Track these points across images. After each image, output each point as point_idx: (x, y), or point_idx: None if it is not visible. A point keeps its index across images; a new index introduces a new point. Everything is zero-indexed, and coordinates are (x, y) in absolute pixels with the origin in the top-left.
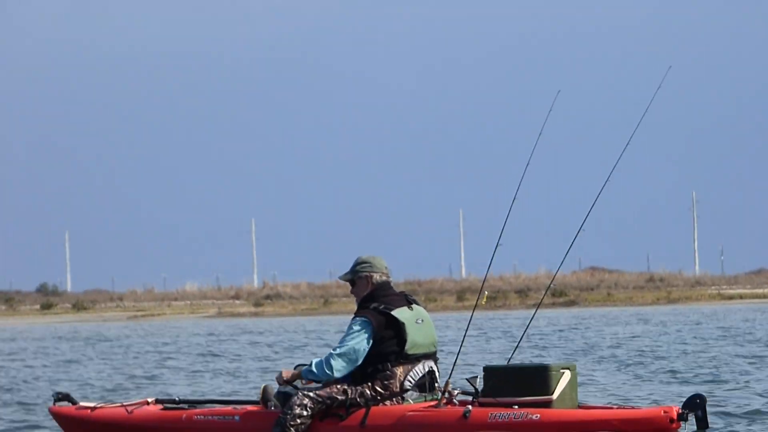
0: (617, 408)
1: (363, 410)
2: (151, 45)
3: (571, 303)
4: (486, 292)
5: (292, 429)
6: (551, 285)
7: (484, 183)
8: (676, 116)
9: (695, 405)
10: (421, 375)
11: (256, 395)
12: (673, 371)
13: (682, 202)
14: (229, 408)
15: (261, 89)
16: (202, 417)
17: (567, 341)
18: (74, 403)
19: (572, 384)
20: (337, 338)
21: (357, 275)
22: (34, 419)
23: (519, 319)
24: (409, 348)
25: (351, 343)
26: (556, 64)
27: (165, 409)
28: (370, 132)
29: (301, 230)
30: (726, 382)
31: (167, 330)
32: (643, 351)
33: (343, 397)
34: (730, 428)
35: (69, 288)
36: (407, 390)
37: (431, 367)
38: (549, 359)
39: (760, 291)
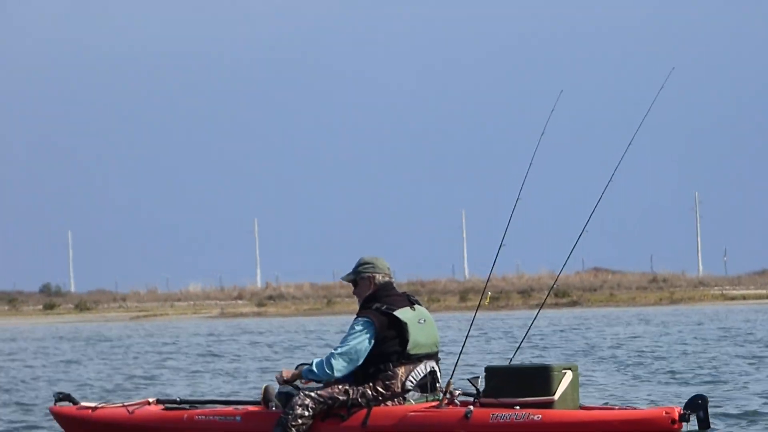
0: (619, 409)
1: (364, 410)
2: (151, 45)
3: (574, 303)
4: (489, 293)
5: (293, 429)
6: (554, 286)
7: (486, 183)
8: (678, 116)
9: (697, 406)
10: (422, 375)
11: (256, 395)
12: (672, 372)
13: (685, 202)
14: (231, 408)
15: (261, 89)
16: (204, 417)
17: (567, 342)
18: (75, 403)
19: (574, 385)
20: (338, 338)
21: (359, 276)
22: (32, 419)
23: (520, 320)
24: (411, 348)
25: (352, 343)
26: (556, 64)
27: (166, 409)
28: (370, 132)
29: (303, 230)
30: (725, 382)
31: (168, 330)
32: (642, 351)
33: (345, 398)
34: (728, 429)
35: (72, 288)
36: (409, 390)
37: (433, 367)
38: (549, 360)
39: (763, 291)
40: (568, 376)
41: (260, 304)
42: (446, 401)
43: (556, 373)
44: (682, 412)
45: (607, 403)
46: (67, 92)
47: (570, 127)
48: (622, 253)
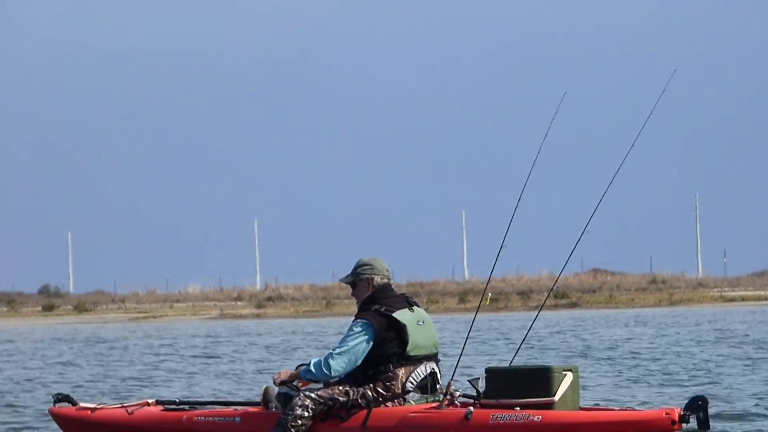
0: (619, 410)
1: (364, 411)
2: (151, 45)
3: (573, 305)
4: (489, 294)
5: (293, 430)
6: (554, 287)
7: (487, 184)
8: (679, 118)
9: (697, 407)
10: (422, 376)
11: (254, 396)
12: (667, 373)
13: (685, 203)
14: (230, 409)
15: (261, 89)
16: (203, 418)
17: (563, 343)
18: (74, 404)
19: (574, 386)
20: (336, 339)
21: (358, 278)
22: (24, 421)
23: (518, 321)
24: (411, 349)
25: (351, 344)
26: (556, 65)
27: (165, 410)
28: (370, 132)
29: (303, 231)
30: (719, 384)
31: (166, 331)
32: (638, 353)
33: (345, 399)
34: (723, 431)
35: (71, 290)
36: (409, 391)
37: (433, 368)
38: (544, 361)
39: (762, 293)
40: (569, 377)
41: (259, 306)
42: (446, 402)
43: (556, 374)
44: (682, 413)
45: (597, 404)
46: (67, 92)
47: (570, 127)
48: (622, 255)
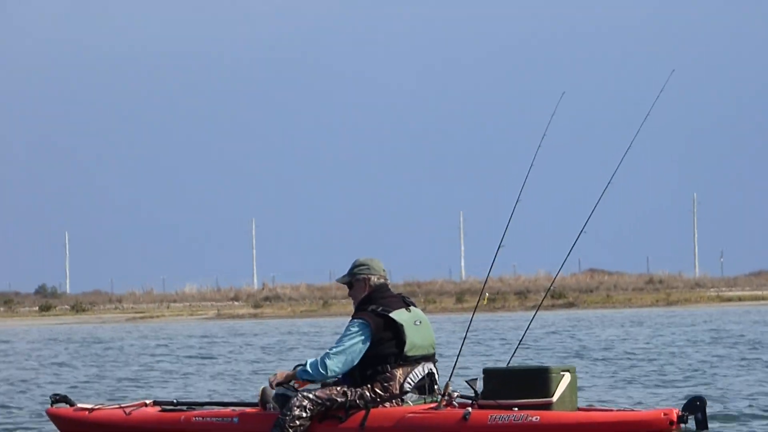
0: (617, 410)
1: (362, 412)
2: (151, 45)
3: (570, 305)
4: (487, 294)
5: (290, 430)
6: (551, 287)
7: (485, 184)
8: (677, 118)
9: (695, 407)
10: (420, 377)
11: (250, 397)
12: (662, 374)
13: (682, 204)
14: (228, 410)
15: (261, 89)
16: (201, 419)
17: (559, 344)
18: (72, 404)
19: (572, 386)
20: (333, 340)
21: (354, 278)
22: (18, 421)
23: (514, 321)
24: (408, 350)
25: (348, 344)
26: (556, 65)
27: (163, 410)
28: (370, 132)
29: (301, 231)
30: (714, 384)
31: (162, 332)
32: (633, 354)
33: (343, 399)
34: (717, 431)
35: (68, 290)
36: (407, 392)
37: (430, 369)
38: (539, 361)
39: (759, 293)
40: (566, 377)
41: (256, 306)
42: (444, 403)
43: (554, 374)
44: (680, 413)
45: (591, 405)
46: (67, 92)
47: (568, 127)
48: (619, 255)
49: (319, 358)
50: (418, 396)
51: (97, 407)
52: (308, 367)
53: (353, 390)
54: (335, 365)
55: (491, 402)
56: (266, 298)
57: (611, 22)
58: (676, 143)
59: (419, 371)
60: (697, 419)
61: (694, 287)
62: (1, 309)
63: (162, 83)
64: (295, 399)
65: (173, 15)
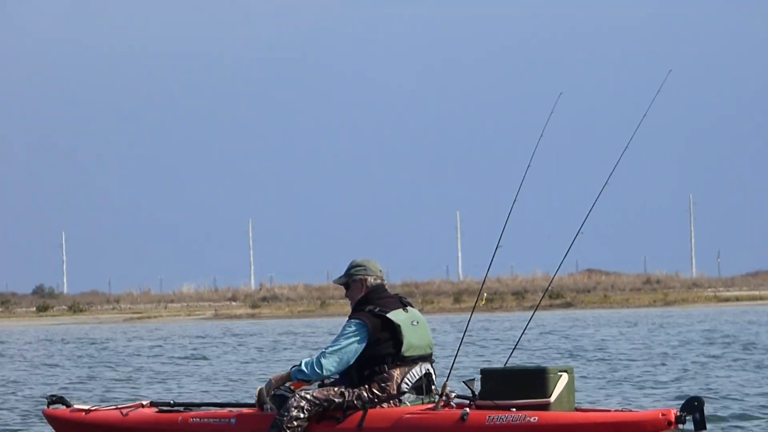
0: (615, 411)
1: (360, 413)
2: (151, 45)
3: (568, 305)
4: (485, 294)
5: (288, 431)
6: (549, 287)
7: (482, 185)
8: (674, 118)
9: (693, 407)
10: (418, 377)
11: (245, 397)
12: (657, 374)
13: (679, 204)
14: (225, 411)
15: (261, 89)
16: (198, 420)
17: (554, 344)
18: (68, 405)
19: (569, 387)
20: (328, 340)
21: (351, 278)
22: (8, 423)
23: (510, 321)
24: (406, 350)
25: (344, 343)
26: (556, 65)
27: (160, 411)
28: (369, 132)
29: (298, 232)
30: (709, 385)
31: (156, 332)
32: (628, 354)
33: (340, 400)
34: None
35: (65, 290)
36: (404, 392)
37: (428, 369)
38: (534, 362)
39: (756, 293)
40: (564, 378)
41: (254, 306)
42: (442, 403)
43: (552, 375)
44: (678, 414)
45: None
46: (66, 92)
47: (566, 128)
48: (616, 255)
49: (314, 358)
50: (415, 396)
51: (93, 408)
52: (303, 366)
53: (351, 390)
54: (330, 364)
55: (489, 402)
56: (264, 299)
57: (610, 22)
58: (674, 143)
59: (416, 371)
60: (695, 419)
61: (692, 287)
62: None
63: (161, 83)
64: (293, 400)
65: (173, 15)
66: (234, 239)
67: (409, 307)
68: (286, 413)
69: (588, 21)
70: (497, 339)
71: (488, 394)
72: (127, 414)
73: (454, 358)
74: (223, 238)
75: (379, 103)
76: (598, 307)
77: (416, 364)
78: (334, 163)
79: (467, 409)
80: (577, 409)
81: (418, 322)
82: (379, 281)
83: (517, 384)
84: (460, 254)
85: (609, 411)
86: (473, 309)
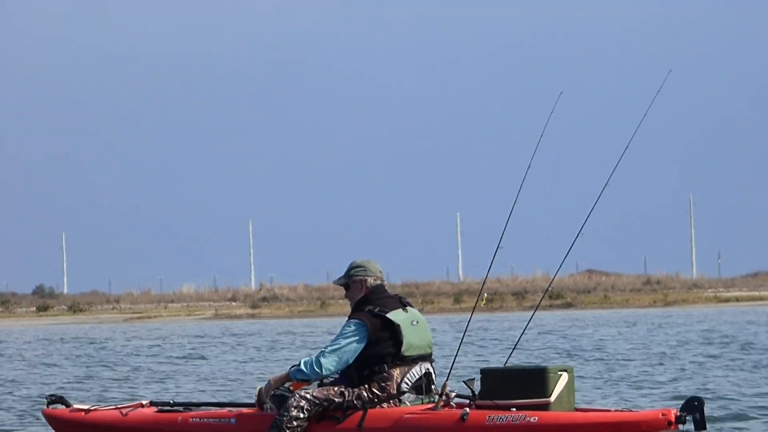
0: (615, 411)
1: (360, 412)
2: (151, 45)
3: (568, 305)
4: (486, 294)
5: (288, 431)
6: (549, 288)
7: (483, 185)
8: (675, 119)
9: (693, 407)
10: (417, 377)
11: (244, 397)
12: (655, 374)
13: (680, 204)
14: (225, 411)
15: (261, 89)
16: (198, 420)
17: (552, 344)
18: (68, 405)
19: (569, 387)
20: (328, 339)
21: (351, 279)
22: (5, 422)
23: (509, 321)
24: (405, 350)
25: (343, 343)
26: (556, 65)
27: (160, 411)
28: (368, 133)
29: (298, 232)
30: (707, 385)
31: (155, 332)
32: (626, 354)
33: (340, 400)
34: None
35: (66, 290)
36: (404, 392)
37: (428, 369)
38: (533, 362)
39: (756, 294)
40: (564, 377)
41: (254, 306)
42: (442, 403)
43: (552, 375)
44: (678, 413)
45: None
46: (66, 92)
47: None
48: (617, 255)
49: (313, 357)
50: (415, 396)
51: (93, 408)
52: (302, 366)
53: (351, 390)
54: (330, 364)
55: (489, 402)
56: (264, 299)
57: (610, 22)
58: (674, 144)
59: (416, 371)
60: (695, 419)
61: (692, 288)
62: None
63: (161, 83)
64: (293, 399)
65: (173, 15)
66: (234, 239)
67: (408, 307)
68: (285, 413)
69: (588, 21)
70: (496, 339)
71: (488, 394)
72: (126, 414)
73: (453, 358)
74: (223, 238)
75: (379, 103)
76: (598, 308)
77: (416, 363)
78: (334, 163)
79: (467, 409)
80: (577, 409)
81: (417, 322)
82: (378, 282)
83: (517, 384)
84: (460, 255)
85: (609, 411)
86: (473, 309)
